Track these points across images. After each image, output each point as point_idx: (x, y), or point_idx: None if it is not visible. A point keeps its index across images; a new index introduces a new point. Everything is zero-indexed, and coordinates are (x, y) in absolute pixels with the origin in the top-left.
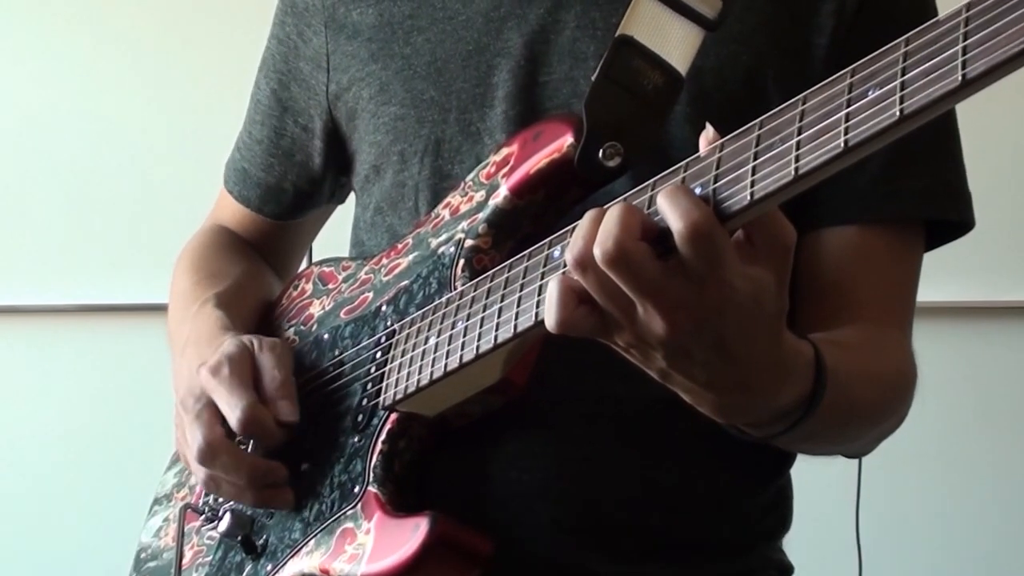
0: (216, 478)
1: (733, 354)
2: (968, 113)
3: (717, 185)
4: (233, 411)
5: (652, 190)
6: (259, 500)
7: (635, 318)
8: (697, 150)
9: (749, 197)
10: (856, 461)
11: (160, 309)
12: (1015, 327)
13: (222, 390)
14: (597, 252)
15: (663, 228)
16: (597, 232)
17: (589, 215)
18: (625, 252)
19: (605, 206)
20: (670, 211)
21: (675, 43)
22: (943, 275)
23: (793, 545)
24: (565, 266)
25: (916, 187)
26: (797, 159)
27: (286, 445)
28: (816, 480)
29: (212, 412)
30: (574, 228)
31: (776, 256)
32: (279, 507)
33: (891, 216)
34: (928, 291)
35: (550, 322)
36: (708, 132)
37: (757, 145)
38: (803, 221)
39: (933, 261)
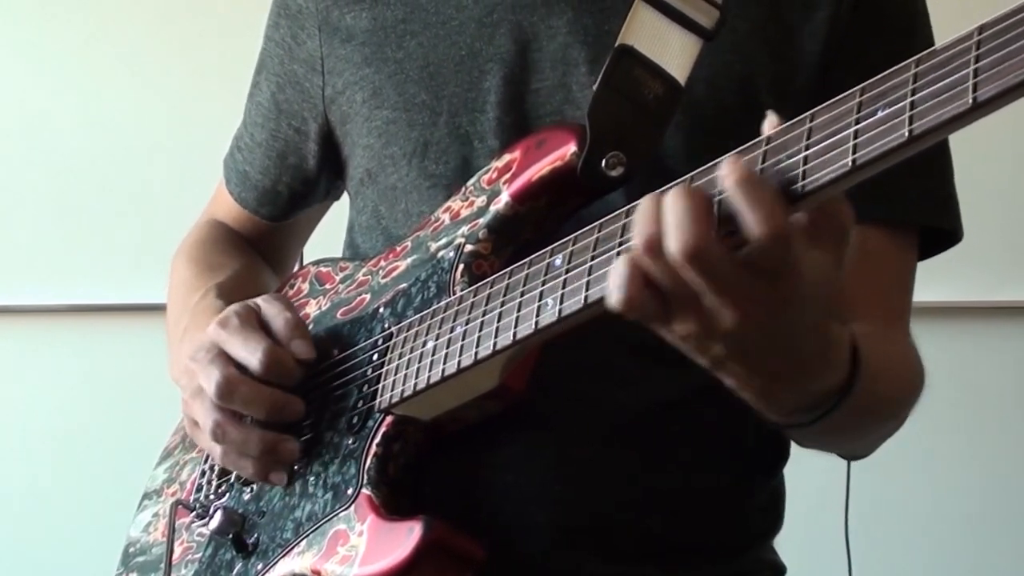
0: (225, 423)
1: (795, 342)
2: None
3: (721, 198)
4: (253, 354)
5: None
6: (266, 444)
7: (702, 309)
8: (691, 160)
9: None
10: (845, 462)
11: (152, 309)
12: (1003, 327)
13: (236, 338)
14: (672, 246)
15: (730, 214)
16: (666, 216)
17: (650, 199)
18: (701, 250)
19: (664, 188)
20: (750, 213)
21: (674, 53)
22: (930, 275)
23: (783, 546)
24: (567, 272)
25: (911, 193)
26: (804, 175)
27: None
28: (806, 481)
29: (225, 357)
30: (575, 237)
31: (836, 238)
32: (274, 480)
33: (887, 217)
34: (916, 291)
35: (615, 300)
36: (772, 118)
37: (763, 162)
38: None
39: (922, 261)
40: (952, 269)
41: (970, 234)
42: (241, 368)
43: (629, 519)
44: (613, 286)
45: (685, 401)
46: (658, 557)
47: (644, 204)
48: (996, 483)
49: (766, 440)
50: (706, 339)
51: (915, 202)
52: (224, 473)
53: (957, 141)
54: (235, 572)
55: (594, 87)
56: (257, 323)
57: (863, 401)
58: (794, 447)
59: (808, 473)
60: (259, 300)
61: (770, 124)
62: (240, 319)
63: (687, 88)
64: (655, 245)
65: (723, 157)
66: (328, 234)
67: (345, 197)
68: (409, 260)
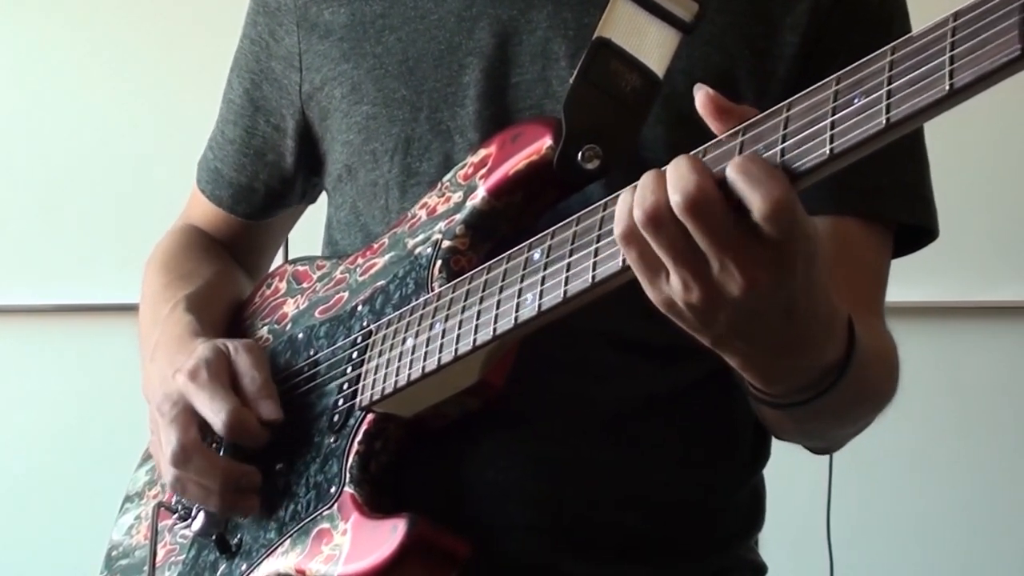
0: (184, 480)
1: (799, 312)
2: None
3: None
4: (217, 415)
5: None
6: (226, 505)
7: (709, 277)
8: (671, 152)
9: None
10: (827, 460)
11: (133, 309)
12: (990, 327)
13: (203, 395)
14: (676, 199)
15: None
16: (668, 177)
17: (649, 174)
18: (707, 196)
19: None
20: (747, 186)
21: (652, 46)
22: (917, 275)
23: (764, 545)
24: (546, 268)
25: (888, 188)
26: (781, 166)
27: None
28: (788, 480)
29: (188, 416)
30: (553, 231)
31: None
32: (244, 514)
33: (863, 210)
34: (902, 291)
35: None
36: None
37: (740, 152)
38: None
39: (907, 260)
40: (940, 269)
41: (958, 234)
42: (204, 425)
43: (608, 516)
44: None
45: (665, 398)
46: (637, 555)
47: (641, 182)
48: (981, 483)
49: (746, 438)
50: (713, 311)
51: (891, 197)
52: None
53: (944, 142)
54: (219, 573)
55: (570, 79)
56: (227, 375)
57: (856, 382)
58: (775, 445)
59: (790, 472)
60: (231, 347)
61: (701, 100)
62: (210, 370)
63: (666, 81)
64: (659, 212)
65: (699, 148)
66: (308, 232)
67: (323, 198)
68: (387, 257)
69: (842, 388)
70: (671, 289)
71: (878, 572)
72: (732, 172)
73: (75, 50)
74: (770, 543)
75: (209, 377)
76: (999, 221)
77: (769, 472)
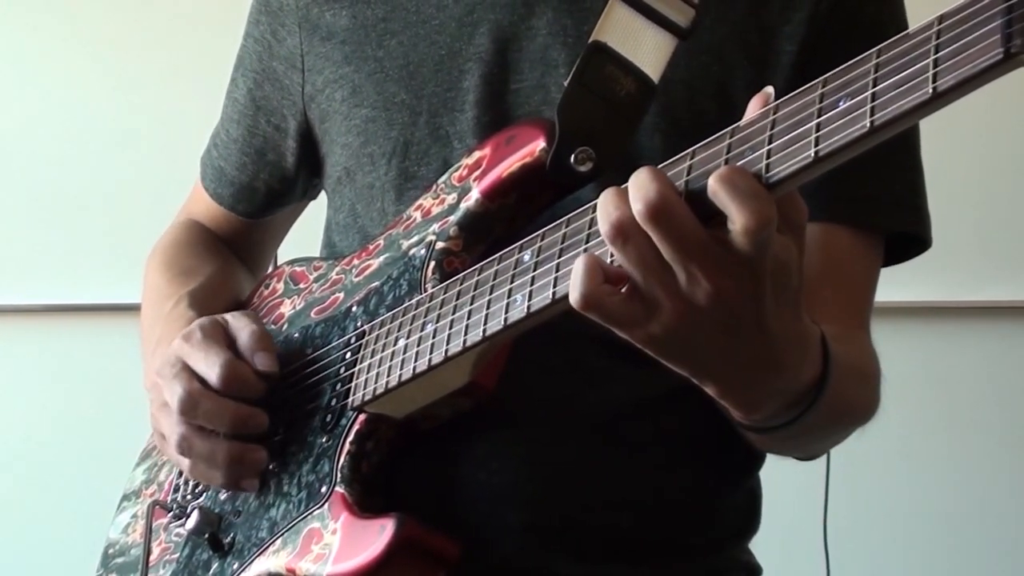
0: (190, 436)
1: (771, 327)
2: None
3: (686, 191)
4: (212, 368)
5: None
6: (232, 456)
7: (678, 290)
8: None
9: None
10: (824, 464)
11: (124, 309)
12: (977, 327)
13: (198, 352)
14: (638, 207)
15: (698, 191)
16: (628, 190)
17: (609, 190)
18: (669, 203)
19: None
20: (732, 199)
21: (648, 50)
22: (902, 275)
23: (761, 547)
24: (536, 268)
25: (879, 197)
26: (767, 168)
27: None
28: (784, 482)
29: (189, 371)
30: (543, 233)
31: (798, 226)
32: (245, 487)
33: (854, 220)
34: (890, 291)
35: (573, 297)
36: (768, 91)
37: (728, 153)
38: None
39: (891, 267)
40: (927, 270)
41: (945, 235)
42: (205, 382)
43: (601, 518)
44: (572, 284)
45: (658, 400)
46: (630, 556)
47: (602, 197)
48: (973, 483)
49: (739, 440)
50: (687, 325)
51: (882, 207)
52: None
53: (929, 143)
54: (212, 572)
55: (565, 83)
56: (222, 336)
57: (834, 400)
58: None
59: (787, 474)
60: (228, 315)
61: (762, 99)
62: (204, 332)
63: (665, 90)
64: (624, 224)
65: (688, 150)
66: (307, 233)
67: (322, 197)
68: (382, 259)
69: (820, 408)
70: (644, 312)
71: (875, 573)
72: (716, 183)
73: (65, 48)
74: (767, 544)
75: (203, 336)
76: (984, 222)
77: (766, 473)
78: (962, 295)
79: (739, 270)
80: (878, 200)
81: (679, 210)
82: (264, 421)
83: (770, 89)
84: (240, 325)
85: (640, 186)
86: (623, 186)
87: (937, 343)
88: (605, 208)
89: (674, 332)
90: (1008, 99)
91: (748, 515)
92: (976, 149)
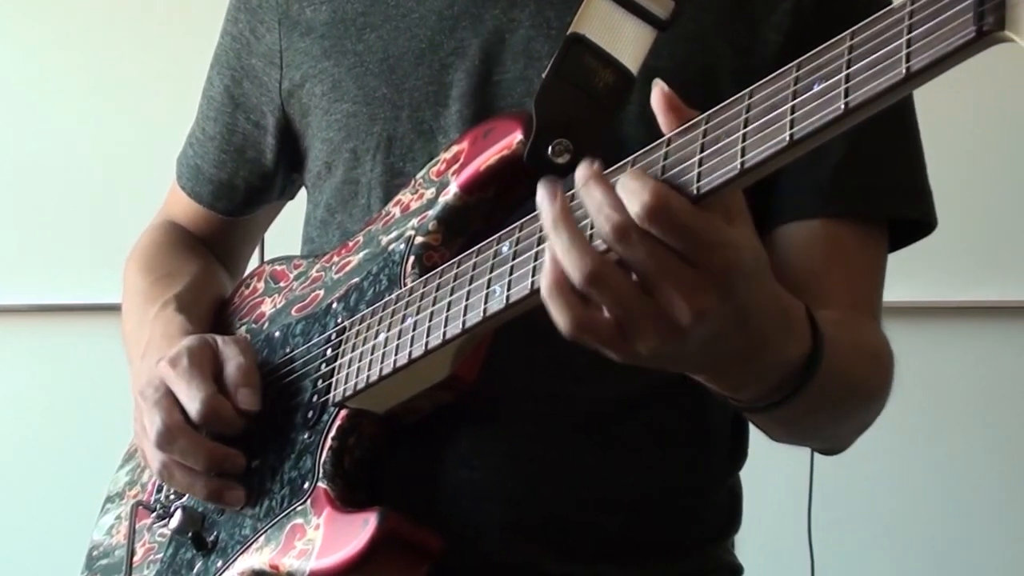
0: (170, 465)
1: (750, 318)
2: (923, 111)
3: (664, 177)
4: (192, 401)
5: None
6: (210, 492)
7: (686, 281)
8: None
9: (696, 191)
10: (808, 461)
11: (112, 309)
12: (968, 327)
13: (181, 381)
14: (634, 209)
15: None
16: (619, 194)
17: (596, 188)
18: (660, 205)
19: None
20: (625, 199)
21: (627, 42)
22: (893, 275)
23: (745, 546)
24: (514, 259)
25: (878, 185)
26: (743, 152)
27: (237, 442)
28: (768, 481)
29: (171, 400)
30: (521, 224)
31: (745, 214)
32: (229, 503)
33: (853, 212)
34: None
35: (565, 330)
36: (661, 85)
37: (704, 138)
38: (770, 217)
39: (889, 260)
40: (918, 269)
41: (933, 235)
42: (186, 412)
43: (584, 516)
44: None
45: (643, 398)
46: (613, 555)
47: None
48: (960, 484)
49: (723, 439)
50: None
51: (882, 196)
52: None
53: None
54: (196, 570)
55: (543, 75)
56: (208, 364)
57: (834, 376)
58: (754, 446)
59: (770, 473)
60: (219, 338)
61: (656, 95)
62: (191, 359)
63: (649, 78)
64: (625, 225)
65: (664, 138)
66: (284, 231)
67: (301, 195)
68: (361, 255)
69: (820, 382)
70: (630, 338)
71: (859, 573)
72: (620, 192)
73: (45, 48)
74: (751, 544)
75: (189, 364)
76: (975, 222)
77: (749, 472)
78: (952, 295)
79: (706, 282)
80: (876, 189)
81: (674, 203)
82: (240, 463)
83: (661, 82)
84: (230, 355)
85: (632, 191)
86: (606, 181)
87: (927, 343)
88: (599, 211)
89: (673, 332)
90: (998, 99)
91: (730, 514)
92: (963, 150)
